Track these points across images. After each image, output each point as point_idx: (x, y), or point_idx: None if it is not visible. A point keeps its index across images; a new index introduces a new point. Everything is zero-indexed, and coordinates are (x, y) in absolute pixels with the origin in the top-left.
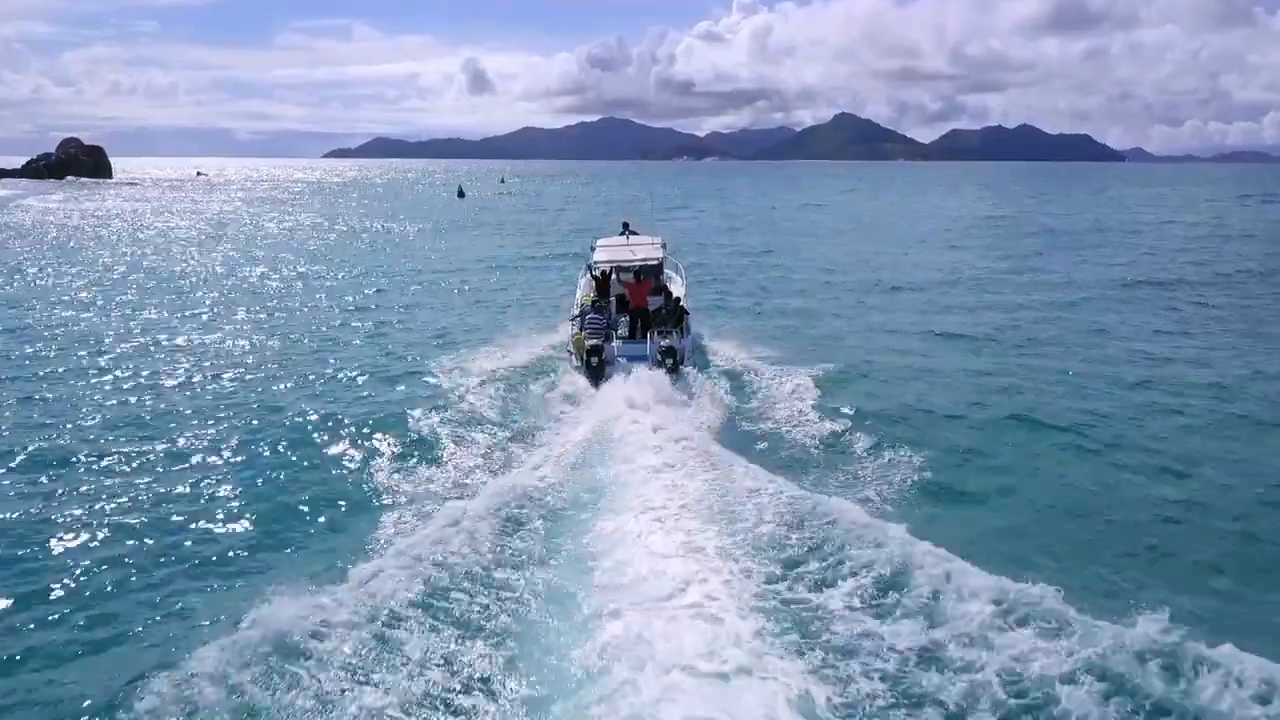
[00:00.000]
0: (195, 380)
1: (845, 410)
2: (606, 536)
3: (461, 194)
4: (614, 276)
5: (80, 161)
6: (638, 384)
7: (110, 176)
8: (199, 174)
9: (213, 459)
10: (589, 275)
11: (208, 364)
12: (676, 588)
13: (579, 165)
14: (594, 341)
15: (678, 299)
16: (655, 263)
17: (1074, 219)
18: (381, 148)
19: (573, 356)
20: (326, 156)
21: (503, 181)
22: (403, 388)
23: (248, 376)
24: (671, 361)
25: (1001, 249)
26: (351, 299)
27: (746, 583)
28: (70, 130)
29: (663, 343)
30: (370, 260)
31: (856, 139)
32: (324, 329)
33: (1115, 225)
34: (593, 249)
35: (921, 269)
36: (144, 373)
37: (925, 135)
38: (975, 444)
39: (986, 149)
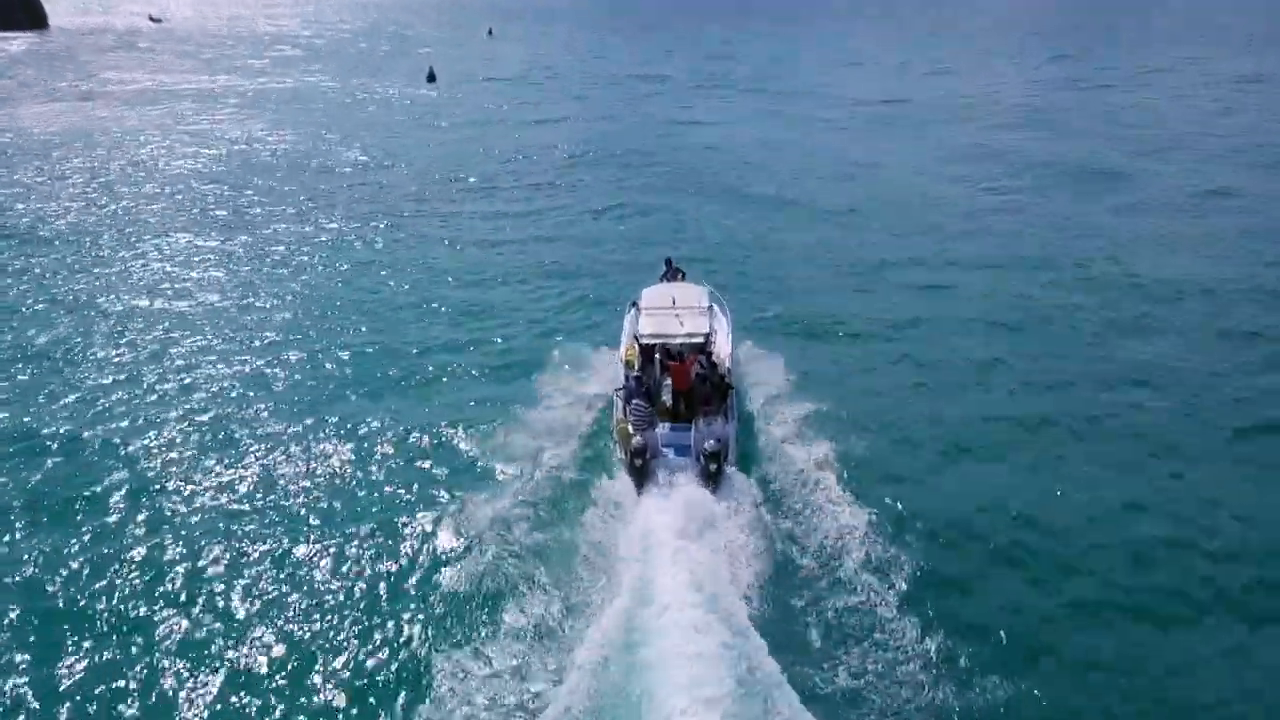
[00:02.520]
0: None
1: (918, 576)
2: None
3: (432, 78)
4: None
5: (14, 13)
6: (679, 510)
7: (45, 26)
8: (152, 20)
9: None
10: (634, 313)
11: None
12: None
13: None
14: (639, 441)
15: (723, 376)
16: (701, 339)
17: None
18: None
19: (618, 447)
20: None
21: (490, 34)
22: (408, 511)
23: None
24: (715, 467)
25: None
26: (287, 351)
27: None
28: None
29: (707, 443)
30: (296, 276)
31: None
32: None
33: None
34: (634, 304)
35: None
36: None
37: None
38: None
39: None
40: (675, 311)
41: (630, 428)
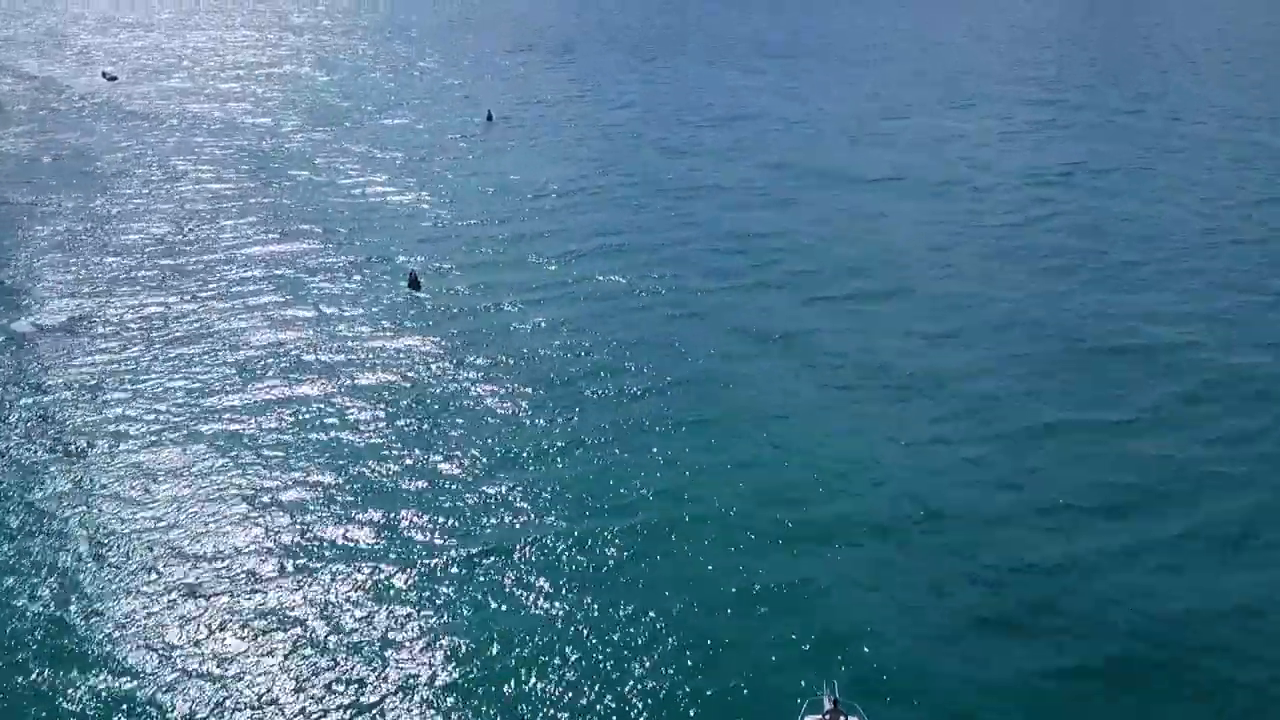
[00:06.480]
0: None
1: None
2: None
3: (415, 284)
4: None
5: None
6: None
7: None
8: (106, 77)
9: None
10: None
11: None
12: None
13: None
14: None
15: None
16: None
17: None
18: None
19: None
20: None
21: (490, 119)
22: None
23: None
24: None
25: None
26: None
27: None
28: None
29: None
30: None
31: None
32: None
33: None
34: None
35: None
36: None
37: None
38: None
39: None
40: None
41: None
